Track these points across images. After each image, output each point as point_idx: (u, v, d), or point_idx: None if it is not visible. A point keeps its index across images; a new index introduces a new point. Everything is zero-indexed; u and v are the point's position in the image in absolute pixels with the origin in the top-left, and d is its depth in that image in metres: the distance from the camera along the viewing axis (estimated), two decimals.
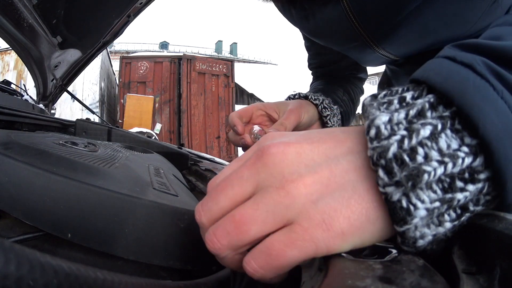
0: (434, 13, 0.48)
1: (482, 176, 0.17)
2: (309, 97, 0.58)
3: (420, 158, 0.17)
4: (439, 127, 0.18)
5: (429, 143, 0.18)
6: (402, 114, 0.19)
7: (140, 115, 6.07)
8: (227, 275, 0.27)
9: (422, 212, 0.17)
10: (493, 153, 0.17)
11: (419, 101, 0.19)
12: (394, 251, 0.20)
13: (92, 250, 0.26)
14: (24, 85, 1.55)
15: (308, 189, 0.19)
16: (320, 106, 0.58)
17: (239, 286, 0.26)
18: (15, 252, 0.14)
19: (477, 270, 0.18)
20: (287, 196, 0.18)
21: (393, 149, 0.18)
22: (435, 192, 0.17)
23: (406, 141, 0.18)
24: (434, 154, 0.17)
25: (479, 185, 0.18)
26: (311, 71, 0.83)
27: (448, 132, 0.18)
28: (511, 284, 0.16)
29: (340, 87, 0.71)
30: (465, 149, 0.17)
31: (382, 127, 0.19)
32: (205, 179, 0.71)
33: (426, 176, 0.17)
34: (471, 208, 0.18)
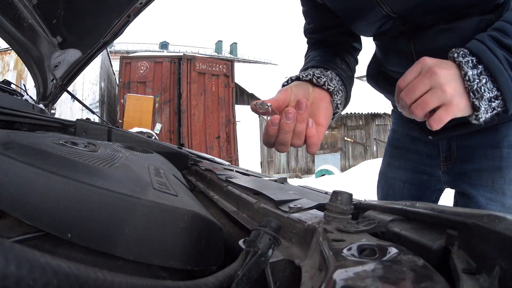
0: None
1: (499, 99, 0.49)
2: (300, 76, 0.61)
3: (483, 90, 0.48)
4: (486, 80, 0.48)
5: (484, 86, 0.48)
6: (476, 71, 0.48)
7: (140, 115, 6.06)
8: (227, 275, 0.27)
9: (483, 108, 0.48)
10: (503, 92, 0.49)
11: (479, 66, 0.48)
12: (394, 251, 0.20)
13: (92, 250, 0.26)
14: (24, 85, 1.55)
15: (451, 91, 0.48)
16: (313, 79, 0.60)
17: (240, 286, 0.26)
18: (15, 252, 0.13)
19: (477, 270, 0.18)
20: (445, 93, 0.48)
21: (476, 86, 0.48)
22: (486, 101, 0.48)
23: (479, 84, 0.48)
24: (486, 90, 0.48)
25: (499, 102, 0.49)
26: (306, 39, 0.83)
27: (489, 82, 0.48)
28: (511, 284, 0.16)
29: (337, 56, 0.71)
30: (495, 89, 0.49)
31: (471, 76, 0.48)
32: (205, 179, 0.71)
33: (485, 97, 0.48)
34: (496, 110, 0.50)
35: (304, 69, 0.67)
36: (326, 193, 0.52)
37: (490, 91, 0.47)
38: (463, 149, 0.73)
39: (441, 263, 0.21)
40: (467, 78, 0.47)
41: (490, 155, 0.69)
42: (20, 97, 1.28)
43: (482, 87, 0.47)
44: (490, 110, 0.49)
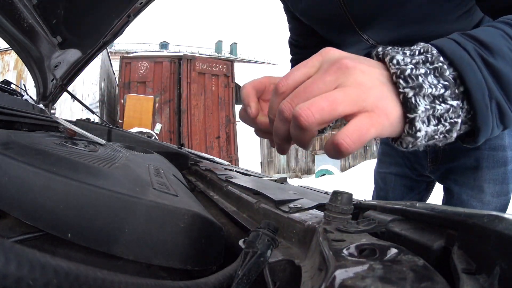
0: (414, 9, 0.56)
1: (450, 102, 0.30)
2: None
3: (420, 80, 0.30)
4: (428, 72, 0.31)
5: (423, 76, 0.30)
6: (408, 59, 0.31)
7: (140, 115, 6.06)
8: (227, 275, 0.27)
9: (422, 107, 0.29)
10: (470, 95, 0.31)
11: (416, 57, 0.32)
12: (394, 251, 0.20)
13: (92, 250, 0.26)
14: (24, 85, 1.54)
15: (376, 93, 0.29)
16: None
17: (240, 286, 0.26)
18: (15, 252, 0.13)
19: (477, 270, 0.18)
20: (364, 93, 0.29)
21: (408, 71, 0.30)
22: (426, 100, 0.30)
23: (414, 71, 0.30)
24: (426, 82, 0.30)
25: (447, 106, 0.30)
26: (290, 49, 0.88)
27: (432, 75, 0.31)
28: (511, 284, 0.16)
29: None
30: (442, 83, 0.31)
31: (400, 60, 0.31)
32: (205, 179, 0.71)
33: (423, 89, 0.30)
34: (443, 122, 0.31)
35: None
36: (326, 193, 0.52)
37: (433, 87, 0.30)
38: (448, 150, 0.77)
39: (441, 263, 0.21)
40: (394, 61, 0.31)
41: (473, 155, 0.74)
42: (20, 97, 1.28)
43: (419, 77, 0.30)
44: (434, 121, 0.30)
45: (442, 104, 0.30)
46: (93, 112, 2.01)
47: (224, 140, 6.83)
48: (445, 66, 0.31)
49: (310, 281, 0.21)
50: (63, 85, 1.41)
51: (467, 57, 0.32)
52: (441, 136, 0.32)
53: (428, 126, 0.30)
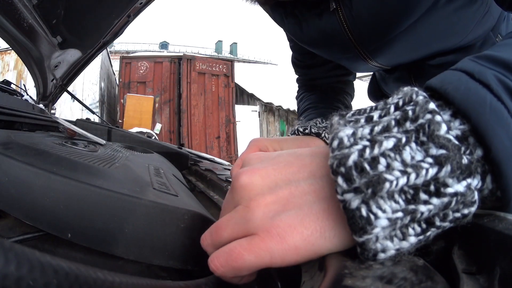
0: (427, 28, 0.50)
1: (449, 190, 0.17)
2: (322, 135, 0.51)
3: (381, 167, 0.18)
4: (404, 140, 0.18)
5: (392, 154, 0.18)
6: (366, 130, 0.20)
7: (140, 115, 6.07)
8: None
9: (383, 222, 0.18)
10: (501, 173, 0.18)
11: (385, 118, 0.20)
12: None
13: (92, 250, 0.26)
14: (24, 85, 1.55)
15: (268, 207, 0.21)
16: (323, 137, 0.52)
17: (239, 286, 0.26)
18: (15, 252, 0.13)
19: (477, 270, 0.18)
20: (249, 212, 0.21)
21: (354, 157, 0.18)
22: (397, 202, 0.18)
23: (367, 150, 0.18)
24: (397, 165, 0.18)
25: (445, 200, 0.18)
26: (294, 69, 0.83)
27: (413, 145, 0.18)
28: (511, 284, 0.16)
29: (339, 103, 0.71)
30: (429, 160, 0.17)
31: (345, 139, 0.19)
32: (205, 179, 0.71)
33: (387, 184, 0.17)
34: (437, 223, 0.18)
35: (307, 119, 0.66)
36: None
37: (412, 169, 0.17)
38: None
39: (441, 263, 0.21)
40: (335, 144, 0.20)
41: None
42: (20, 97, 1.28)
43: (381, 159, 0.18)
44: (418, 227, 0.19)
45: (434, 199, 0.18)
46: (93, 112, 2.01)
47: (224, 140, 6.83)
48: (438, 119, 0.18)
49: (310, 281, 0.21)
50: (63, 85, 1.41)
51: (489, 98, 0.19)
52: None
53: (403, 240, 0.18)
